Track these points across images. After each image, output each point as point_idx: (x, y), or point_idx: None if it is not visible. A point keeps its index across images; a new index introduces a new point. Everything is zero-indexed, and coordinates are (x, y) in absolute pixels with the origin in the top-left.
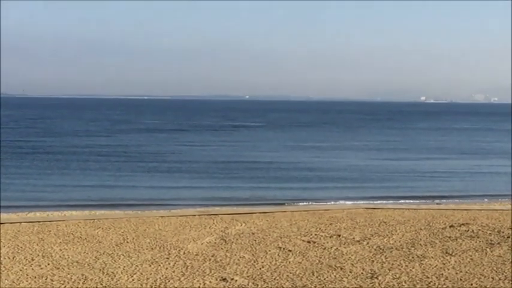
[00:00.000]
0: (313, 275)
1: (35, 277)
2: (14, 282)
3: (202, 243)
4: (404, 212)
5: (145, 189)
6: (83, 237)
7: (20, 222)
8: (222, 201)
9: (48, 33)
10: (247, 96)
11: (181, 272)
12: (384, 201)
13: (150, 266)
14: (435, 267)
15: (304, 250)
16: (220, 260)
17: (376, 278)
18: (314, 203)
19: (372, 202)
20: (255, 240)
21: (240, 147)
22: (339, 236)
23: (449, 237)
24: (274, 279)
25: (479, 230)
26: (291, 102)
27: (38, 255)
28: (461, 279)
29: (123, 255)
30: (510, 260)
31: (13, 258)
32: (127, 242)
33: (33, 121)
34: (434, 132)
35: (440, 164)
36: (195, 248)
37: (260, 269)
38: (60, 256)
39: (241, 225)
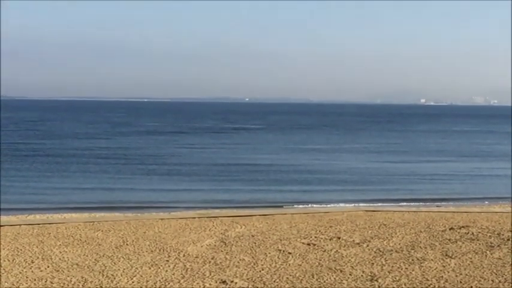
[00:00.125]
0: (313, 277)
1: (35, 280)
2: (13, 284)
3: (202, 246)
4: (404, 214)
5: (145, 192)
6: (83, 239)
7: (20, 225)
8: (222, 204)
9: (47, 35)
10: (247, 99)
11: (181, 274)
12: (384, 204)
13: (149, 268)
14: (435, 269)
15: (304, 252)
16: (220, 262)
17: (376, 280)
18: (314, 206)
19: (371, 204)
20: (255, 243)
21: (240, 149)
22: (339, 238)
23: (449, 240)
24: (274, 281)
25: (479, 232)
26: (291, 105)
27: (38, 257)
28: (461, 282)
29: (122, 257)
30: (510, 263)
31: (13, 260)
32: (127, 244)
33: (33, 123)
34: (435, 134)
35: (441, 166)
36: (195, 251)
37: (260, 271)
38: (60, 258)
39: (241, 227)
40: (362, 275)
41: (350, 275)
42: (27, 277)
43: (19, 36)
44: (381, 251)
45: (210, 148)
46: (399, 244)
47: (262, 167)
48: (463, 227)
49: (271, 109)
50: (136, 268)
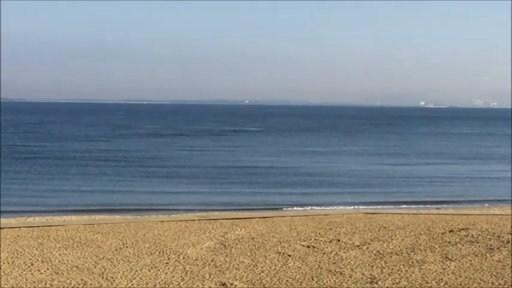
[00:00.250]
0: (312, 279)
1: (35, 282)
2: (13, 287)
3: (201, 248)
4: (404, 217)
5: (144, 194)
6: (83, 242)
7: (20, 227)
8: (222, 206)
9: (47, 36)
10: (247, 101)
11: (181, 276)
12: (384, 206)
13: (149, 270)
14: (435, 272)
15: (304, 255)
16: (220, 264)
17: (376, 283)
18: (314, 208)
19: (371, 207)
20: (255, 245)
21: (239, 152)
22: (339, 240)
23: (449, 242)
24: (274, 284)
25: (479, 235)
26: (291, 107)
27: (38, 260)
28: (460, 284)
29: (122, 260)
30: (510, 265)
31: (12, 263)
32: (126, 246)
33: (32, 126)
34: (434, 137)
35: (440, 168)
36: (195, 253)
37: (260, 273)
38: (59, 261)
39: (240, 230)
40: (362, 278)
41: (350, 277)
42: (26, 279)
43: (19, 37)
44: (380, 254)
45: (209, 150)
46: (399, 246)
47: (262, 169)
48: (462, 229)
49: (271, 111)
50: (136, 270)
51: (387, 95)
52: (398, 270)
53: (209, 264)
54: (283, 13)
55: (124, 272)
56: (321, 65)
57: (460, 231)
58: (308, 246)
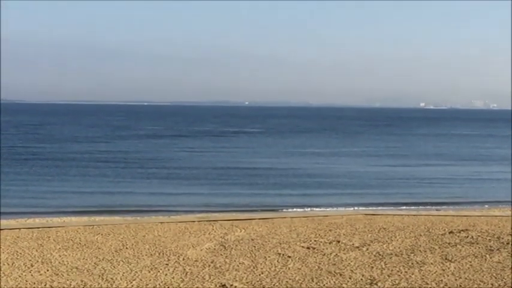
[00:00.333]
0: (312, 281)
1: (34, 283)
2: None
3: (201, 249)
4: (403, 218)
5: (144, 196)
6: (82, 243)
7: (20, 229)
8: (222, 208)
9: (47, 37)
10: (246, 102)
11: (181, 278)
12: (384, 207)
13: (149, 272)
14: (435, 273)
15: (304, 256)
16: (220, 266)
17: (376, 284)
18: (313, 209)
19: (371, 208)
20: (255, 247)
21: (239, 153)
22: (339, 242)
23: (449, 244)
24: (274, 285)
25: (479, 236)
26: (291, 108)
27: (37, 261)
28: (460, 286)
29: (122, 261)
30: (510, 266)
31: (12, 264)
32: (126, 248)
33: (32, 127)
34: (434, 138)
35: (440, 170)
36: (195, 254)
37: (259, 275)
38: (59, 262)
39: (240, 231)
40: (361, 279)
41: (350, 278)
42: (26, 281)
43: (19, 38)
44: (380, 255)
45: (209, 152)
46: (399, 248)
47: (262, 170)
48: (462, 230)
49: (271, 113)
50: (136, 272)
51: (387, 96)
52: (398, 271)
53: (209, 266)
54: (283, 13)
55: (124, 273)
56: (320, 65)
57: (460, 232)
58: (308, 248)
